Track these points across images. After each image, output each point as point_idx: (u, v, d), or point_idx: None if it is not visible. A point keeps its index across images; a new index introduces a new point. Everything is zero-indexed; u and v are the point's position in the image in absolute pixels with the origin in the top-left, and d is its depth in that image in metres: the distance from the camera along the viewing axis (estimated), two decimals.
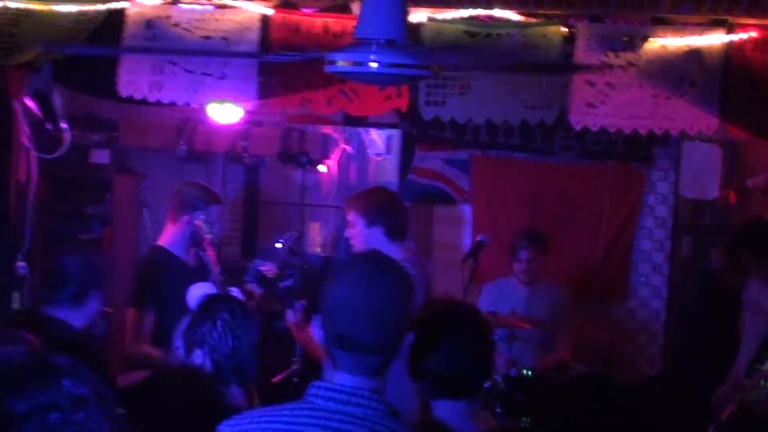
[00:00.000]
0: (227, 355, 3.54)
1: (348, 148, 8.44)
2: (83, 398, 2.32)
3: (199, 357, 3.66)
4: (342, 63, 3.40)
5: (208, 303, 3.69)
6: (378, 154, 8.24)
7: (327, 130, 8.17)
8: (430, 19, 5.17)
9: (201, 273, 5.45)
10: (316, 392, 2.59)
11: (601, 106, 5.04)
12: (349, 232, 5.05)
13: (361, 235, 4.97)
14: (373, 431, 2.52)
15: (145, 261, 5.79)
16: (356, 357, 2.58)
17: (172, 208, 5.58)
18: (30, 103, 6.12)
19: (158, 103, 5.09)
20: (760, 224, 5.66)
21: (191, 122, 7.89)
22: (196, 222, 5.45)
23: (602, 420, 2.76)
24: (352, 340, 2.57)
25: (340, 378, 2.60)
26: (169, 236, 5.55)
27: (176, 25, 5.15)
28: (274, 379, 6.54)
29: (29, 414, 2.23)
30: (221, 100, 5.21)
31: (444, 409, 3.11)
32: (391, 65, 3.31)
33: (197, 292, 5.41)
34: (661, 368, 7.67)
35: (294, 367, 6.25)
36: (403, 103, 5.23)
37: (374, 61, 3.31)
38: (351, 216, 4.98)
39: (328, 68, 3.48)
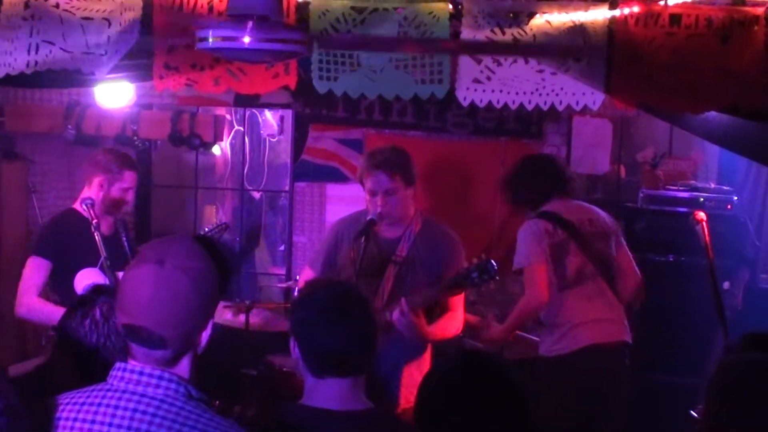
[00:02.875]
0: (90, 353, 3.36)
1: (241, 129, 8.36)
2: None
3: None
4: (213, 39, 3.34)
5: (88, 295, 3.51)
6: (271, 135, 8.18)
7: (219, 111, 8.09)
8: None
9: (113, 244, 5.50)
10: (113, 374, 2.60)
11: (488, 82, 5.04)
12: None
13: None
14: (158, 410, 2.52)
15: (53, 218, 5.98)
16: (143, 350, 2.56)
17: (87, 170, 5.78)
18: None
19: (38, 85, 4.94)
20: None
21: (79, 106, 7.75)
22: (110, 187, 5.66)
23: (484, 396, 2.76)
24: (134, 332, 2.55)
25: (134, 362, 2.59)
26: (81, 199, 5.68)
27: (56, 5, 4.99)
28: None
29: None
30: (104, 80, 5.06)
31: (329, 387, 3.10)
32: (264, 40, 3.25)
33: (84, 279, 5.37)
34: None
35: None
36: (291, 81, 5.16)
37: (246, 37, 3.25)
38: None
39: (199, 45, 3.42)
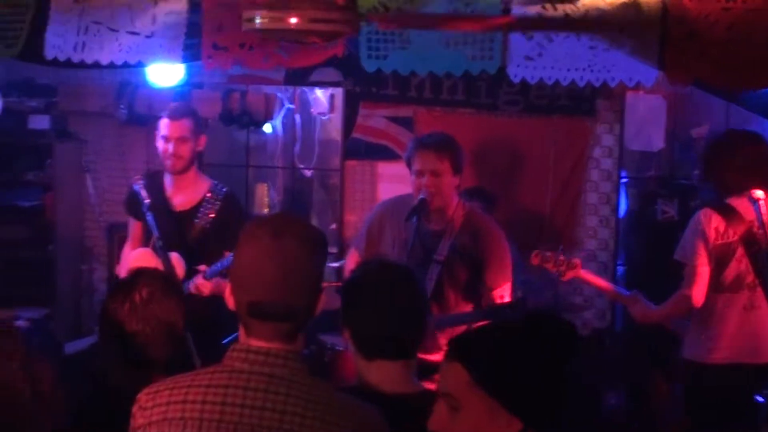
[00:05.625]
0: (130, 338, 3.28)
1: (291, 107, 8.34)
2: (32, 351, 2.30)
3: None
4: (260, 21, 3.31)
5: (130, 278, 3.48)
6: (322, 113, 8.15)
7: (269, 89, 8.07)
8: None
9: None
10: (234, 355, 2.58)
11: (539, 58, 4.97)
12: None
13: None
14: (289, 389, 2.52)
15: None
16: (268, 325, 2.56)
17: None
18: None
19: (82, 64, 4.93)
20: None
21: (131, 85, 7.77)
22: None
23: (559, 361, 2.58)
24: (261, 309, 2.55)
25: (256, 342, 2.57)
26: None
27: None
28: (224, 341, 6.51)
29: None
30: (147, 61, 5.05)
31: (379, 371, 3.08)
32: (311, 21, 3.22)
33: (135, 261, 5.39)
34: (609, 321, 7.70)
35: None
36: (339, 50, 5.12)
37: (294, 18, 3.22)
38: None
39: (245, 27, 3.39)
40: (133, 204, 5.74)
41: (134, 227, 5.86)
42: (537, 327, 2.55)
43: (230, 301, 2.65)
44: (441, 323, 4.86)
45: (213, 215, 5.53)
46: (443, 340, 4.85)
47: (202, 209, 5.51)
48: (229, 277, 2.68)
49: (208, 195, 5.60)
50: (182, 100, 7.47)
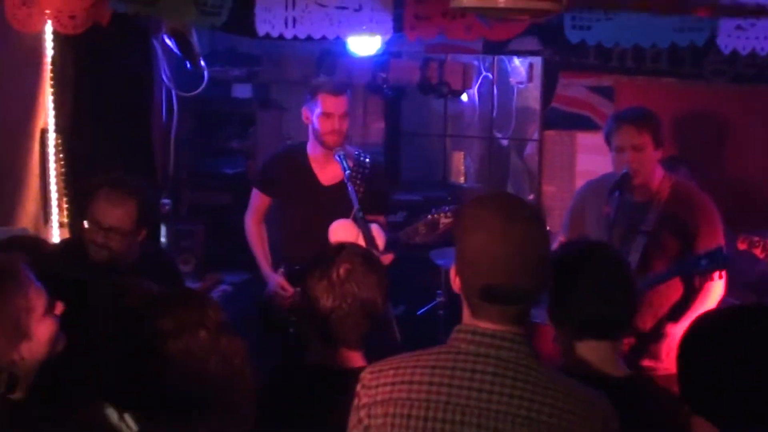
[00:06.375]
0: (326, 314, 3.23)
1: (489, 76, 8.30)
2: (225, 324, 2.34)
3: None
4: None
5: (330, 254, 3.37)
6: (520, 82, 8.07)
7: (467, 58, 8.04)
8: None
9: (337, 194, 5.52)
10: (461, 336, 2.57)
11: (752, 29, 4.80)
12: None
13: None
14: (516, 372, 2.49)
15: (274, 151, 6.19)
16: (498, 308, 2.53)
17: None
18: (168, 41, 6.18)
19: (295, 39, 5.00)
20: None
21: (331, 55, 7.87)
22: None
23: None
24: (496, 292, 2.51)
25: (483, 323, 2.55)
26: None
27: None
28: (419, 312, 6.55)
29: (178, 330, 2.25)
30: (358, 33, 5.10)
31: (587, 351, 3.01)
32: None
33: (339, 232, 5.41)
34: None
35: (439, 299, 6.26)
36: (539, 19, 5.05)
37: None
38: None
39: (454, 3, 3.36)
40: (270, 177, 5.83)
41: (262, 200, 5.89)
42: (743, 321, 2.46)
43: (456, 283, 2.62)
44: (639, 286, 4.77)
45: (362, 187, 5.52)
46: None
47: (350, 182, 5.48)
48: (456, 260, 2.62)
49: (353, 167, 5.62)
50: (379, 69, 7.55)
